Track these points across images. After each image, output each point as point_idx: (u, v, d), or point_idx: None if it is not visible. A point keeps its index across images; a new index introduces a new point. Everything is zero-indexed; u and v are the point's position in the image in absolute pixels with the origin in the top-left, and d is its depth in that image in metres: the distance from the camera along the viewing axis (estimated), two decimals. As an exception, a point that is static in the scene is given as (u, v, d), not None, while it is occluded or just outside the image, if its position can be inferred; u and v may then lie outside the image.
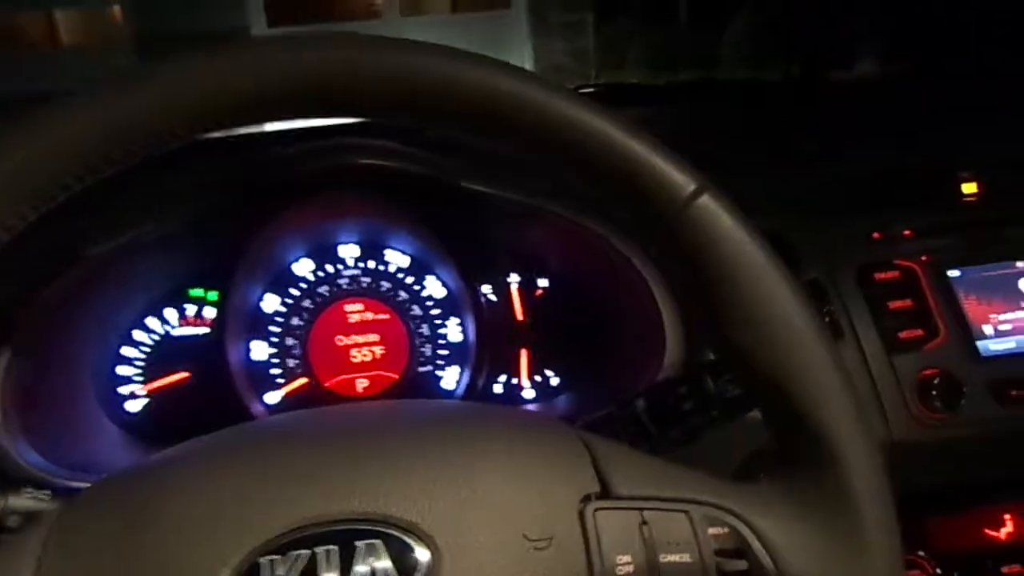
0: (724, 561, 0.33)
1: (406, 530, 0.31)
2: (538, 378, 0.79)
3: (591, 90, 1.08)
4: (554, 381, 0.79)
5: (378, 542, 0.30)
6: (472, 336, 0.76)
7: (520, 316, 0.78)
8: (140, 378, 0.74)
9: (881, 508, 0.34)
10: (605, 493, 0.33)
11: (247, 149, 0.71)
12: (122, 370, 0.73)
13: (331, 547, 0.30)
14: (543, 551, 0.31)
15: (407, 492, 0.32)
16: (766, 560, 0.33)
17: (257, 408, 0.73)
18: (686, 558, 0.32)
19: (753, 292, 0.34)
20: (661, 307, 0.64)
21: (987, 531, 0.70)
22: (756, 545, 0.33)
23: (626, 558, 0.32)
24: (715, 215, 0.34)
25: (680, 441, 0.49)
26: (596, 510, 0.33)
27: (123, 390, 0.73)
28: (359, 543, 0.30)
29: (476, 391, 0.75)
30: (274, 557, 0.30)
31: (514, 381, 0.78)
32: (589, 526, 0.32)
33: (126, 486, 0.34)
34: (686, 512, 0.33)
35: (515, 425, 0.37)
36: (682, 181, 0.34)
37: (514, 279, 0.79)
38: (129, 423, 0.73)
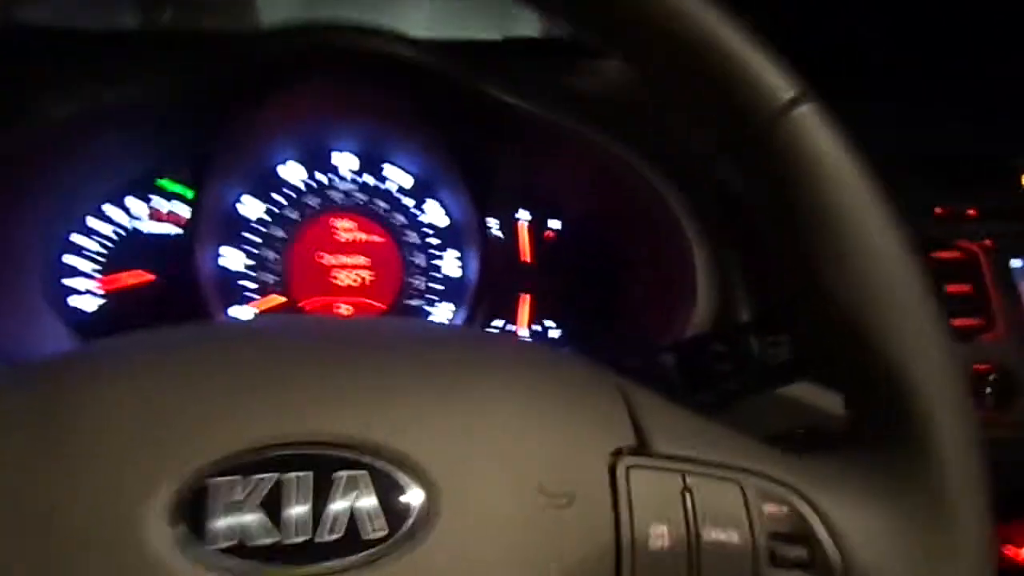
0: (779, 546, 0.26)
1: (400, 464, 0.24)
2: (537, 328, 0.71)
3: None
4: (554, 333, 0.71)
5: (363, 474, 0.23)
6: (472, 273, 0.69)
7: (526, 257, 0.71)
8: (96, 274, 0.66)
9: (975, 495, 0.28)
10: (642, 448, 0.26)
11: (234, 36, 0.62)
12: (71, 261, 0.65)
13: (304, 473, 0.23)
14: (561, 508, 0.24)
15: (405, 420, 0.24)
16: (831, 550, 0.26)
17: (224, 322, 0.65)
18: (734, 537, 0.26)
19: (849, 223, 0.29)
20: (695, 253, 0.56)
21: (1007, 549, 0.64)
22: (820, 530, 0.27)
23: (661, 529, 0.25)
24: (815, 128, 0.29)
25: (712, 406, 0.42)
26: (630, 467, 0.26)
27: (74, 285, 0.65)
28: (339, 473, 0.23)
29: (468, 333, 0.68)
30: (230, 478, 0.22)
31: (510, 328, 0.71)
32: (620, 485, 0.25)
33: (46, 375, 0.26)
34: (738, 482, 0.26)
35: (539, 358, 0.30)
36: (781, 84, 0.29)
37: (524, 216, 0.71)
38: (81, 324, 0.65)
